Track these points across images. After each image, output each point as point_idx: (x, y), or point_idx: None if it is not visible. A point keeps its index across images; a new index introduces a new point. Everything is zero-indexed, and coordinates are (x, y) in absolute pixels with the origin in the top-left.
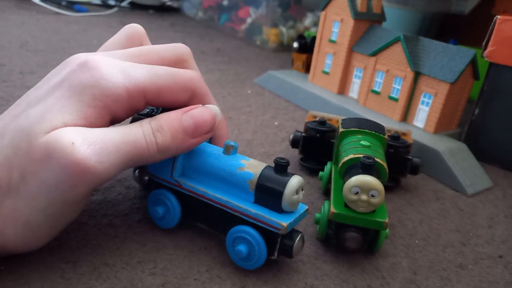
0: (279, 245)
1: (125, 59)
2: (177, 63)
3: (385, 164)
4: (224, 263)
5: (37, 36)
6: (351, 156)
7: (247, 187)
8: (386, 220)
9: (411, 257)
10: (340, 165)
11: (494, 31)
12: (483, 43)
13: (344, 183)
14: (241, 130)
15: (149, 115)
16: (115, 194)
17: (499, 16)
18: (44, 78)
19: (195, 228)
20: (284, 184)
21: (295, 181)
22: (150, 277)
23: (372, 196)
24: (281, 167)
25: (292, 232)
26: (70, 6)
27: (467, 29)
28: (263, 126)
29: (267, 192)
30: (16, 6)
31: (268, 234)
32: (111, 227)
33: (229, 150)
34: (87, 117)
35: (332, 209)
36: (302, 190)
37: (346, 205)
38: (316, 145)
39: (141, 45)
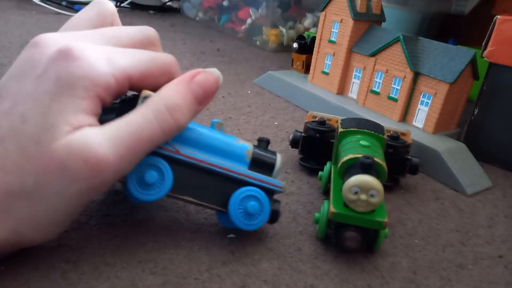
0: (273, 202)
1: (101, 42)
2: (147, 47)
3: (384, 164)
4: (224, 262)
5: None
6: (351, 156)
7: (244, 156)
8: (386, 220)
9: (411, 256)
10: (339, 165)
11: (494, 31)
12: (483, 43)
13: (343, 183)
14: (241, 130)
15: (124, 101)
16: (115, 194)
17: (499, 16)
18: (18, 64)
19: (196, 227)
20: (275, 158)
21: (280, 157)
22: (150, 277)
23: (372, 195)
24: (265, 144)
25: (274, 200)
26: (71, 6)
27: (467, 29)
28: (263, 126)
29: (262, 162)
30: (16, 6)
31: (268, 191)
32: (112, 226)
33: (219, 126)
34: (85, 110)
35: (332, 209)
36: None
37: (345, 205)
38: (316, 145)
39: (112, 24)
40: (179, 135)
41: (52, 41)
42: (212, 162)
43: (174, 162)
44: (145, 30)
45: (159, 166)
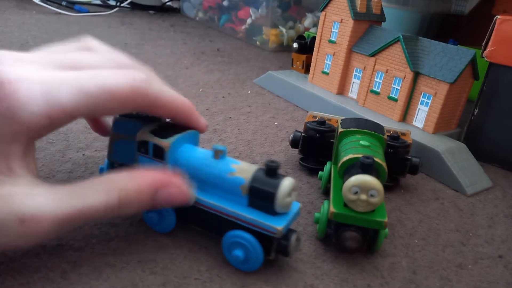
0: (275, 245)
1: (56, 67)
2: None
3: (384, 164)
4: (224, 262)
5: (38, 36)
6: (351, 156)
7: (240, 192)
8: (386, 220)
9: (411, 256)
10: (339, 165)
11: (494, 31)
12: (483, 43)
13: (343, 182)
14: (241, 130)
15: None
16: None
17: (499, 16)
18: None
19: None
20: (276, 187)
21: (287, 183)
22: (150, 277)
23: (372, 195)
24: (272, 171)
25: (287, 232)
26: (71, 6)
27: (467, 29)
28: (263, 126)
29: (260, 196)
30: (16, 6)
31: (264, 236)
32: (112, 226)
33: (218, 154)
34: (15, 154)
35: (332, 209)
36: (295, 191)
37: (345, 205)
38: (316, 145)
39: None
40: (179, 169)
41: None
42: (203, 203)
43: None
44: (114, 59)
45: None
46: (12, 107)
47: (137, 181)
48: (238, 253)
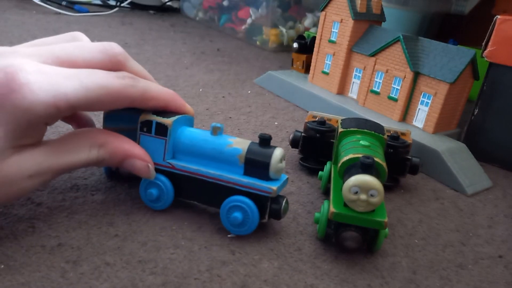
0: (268, 209)
1: (52, 61)
2: (112, 68)
3: (384, 164)
4: (224, 262)
5: (38, 36)
6: (351, 156)
7: (237, 161)
8: (386, 220)
9: (411, 256)
10: (339, 165)
11: (494, 31)
12: (483, 43)
13: (343, 182)
14: (241, 130)
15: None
16: (116, 194)
17: (499, 16)
18: None
19: (196, 227)
20: (270, 155)
21: (278, 151)
22: (150, 277)
23: (372, 195)
24: (265, 141)
25: (278, 197)
26: (71, 6)
27: (467, 29)
28: (263, 126)
29: (256, 163)
30: (16, 6)
31: (259, 200)
32: (112, 226)
33: (216, 131)
34: (29, 137)
35: (332, 209)
36: (284, 159)
37: (345, 205)
38: (316, 145)
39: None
40: (177, 149)
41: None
42: (201, 173)
43: (173, 175)
44: (106, 56)
45: (158, 183)
46: (25, 101)
47: (113, 144)
48: (237, 214)
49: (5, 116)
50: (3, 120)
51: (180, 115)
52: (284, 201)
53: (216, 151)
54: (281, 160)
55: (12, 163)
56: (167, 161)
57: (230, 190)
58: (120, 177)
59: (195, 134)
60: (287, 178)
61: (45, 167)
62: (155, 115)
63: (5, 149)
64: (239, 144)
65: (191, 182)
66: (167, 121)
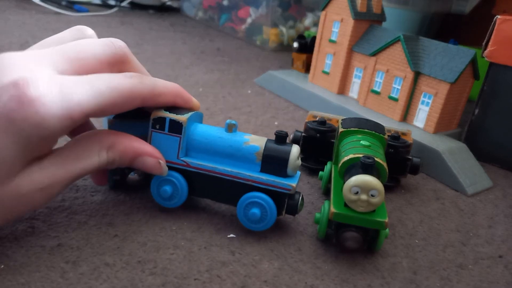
0: (285, 205)
1: (62, 64)
2: (117, 66)
3: (385, 164)
4: (224, 262)
5: (38, 36)
6: (351, 156)
7: (254, 159)
8: (386, 220)
9: (411, 256)
10: (340, 165)
11: (494, 31)
12: (483, 43)
13: (344, 183)
14: (241, 130)
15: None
16: (115, 194)
17: (499, 16)
18: None
19: (196, 227)
20: (288, 152)
21: (296, 149)
22: (150, 277)
23: (372, 195)
24: (281, 138)
25: (294, 193)
26: (71, 6)
27: (467, 29)
28: (263, 126)
29: (274, 161)
30: (16, 6)
31: (276, 197)
32: (111, 226)
33: (231, 128)
34: (41, 150)
35: (332, 209)
36: (299, 157)
37: (346, 205)
38: (316, 145)
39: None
40: (190, 146)
41: (8, 67)
42: (218, 171)
43: (187, 173)
44: (113, 49)
45: (172, 180)
46: (36, 117)
47: (122, 145)
48: (256, 211)
49: (18, 131)
50: (15, 136)
51: (192, 112)
52: (300, 197)
53: (233, 148)
54: (298, 157)
55: (23, 177)
56: (181, 159)
57: (246, 186)
58: (126, 186)
59: (210, 131)
60: (300, 174)
61: (57, 179)
62: (168, 112)
63: (16, 164)
64: (256, 141)
65: (205, 180)
66: (182, 118)
